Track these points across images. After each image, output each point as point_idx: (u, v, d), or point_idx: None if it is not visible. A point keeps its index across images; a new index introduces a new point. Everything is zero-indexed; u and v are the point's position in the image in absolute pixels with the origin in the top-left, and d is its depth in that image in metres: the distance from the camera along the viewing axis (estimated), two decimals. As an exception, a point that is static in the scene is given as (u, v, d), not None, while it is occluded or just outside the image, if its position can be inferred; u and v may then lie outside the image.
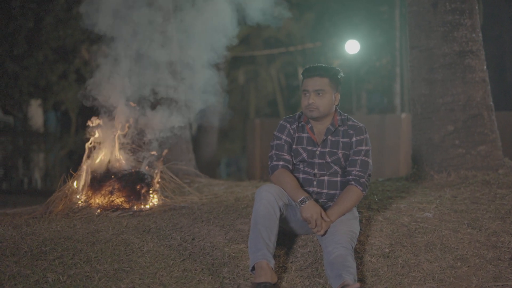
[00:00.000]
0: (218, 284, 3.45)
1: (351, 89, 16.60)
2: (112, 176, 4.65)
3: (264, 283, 3.27)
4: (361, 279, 3.50)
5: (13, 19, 11.84)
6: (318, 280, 3.52)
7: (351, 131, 3.79)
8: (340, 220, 3.62)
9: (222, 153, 21.84)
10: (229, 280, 3.50)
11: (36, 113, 16.60)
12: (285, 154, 3.80)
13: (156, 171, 4.88)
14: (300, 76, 3.90)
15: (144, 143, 4.93)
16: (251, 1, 5.08)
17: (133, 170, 4.74)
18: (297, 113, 3.92)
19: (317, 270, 3.60)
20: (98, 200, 4.57)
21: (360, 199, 3.75)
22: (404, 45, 14.51)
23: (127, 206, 4.55)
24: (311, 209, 3.54)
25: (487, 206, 4.34)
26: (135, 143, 4.92)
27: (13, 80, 12.53)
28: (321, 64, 3.80)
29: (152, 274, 3.48)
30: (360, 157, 3.75)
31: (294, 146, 3.83)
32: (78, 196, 4.64)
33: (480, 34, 5.48)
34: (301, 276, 3.56)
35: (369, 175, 3.78)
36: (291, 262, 3.70)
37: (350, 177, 3.74)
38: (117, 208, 4.50)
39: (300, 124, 3.85)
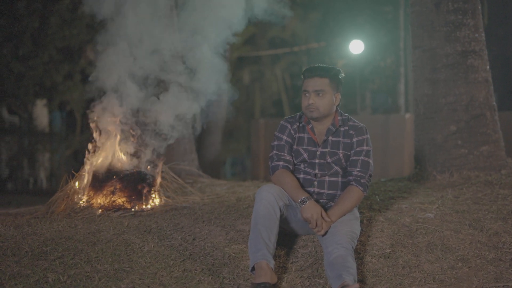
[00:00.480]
0: (218, 284, 3.46)
1: (355, 89, 16.57)
2: (114, 176, 4.66)
3: (264, 283, 3.27)
4: (361, 280, 3.50)
5: (19, 19, 11.87)
6: (318, 280, 3.52)
7: (352, 132, 3.79)
8: (341, 220, 3.62)
9: (227, 153, 21.85)
10: (229, 281, 3.50)
11: (41, 113, 16.65)
12: (285, 154, 3.80)
13: (157, 171, 4.88)
14: (305, 77, 3.88)
15: (148, 131, 4.89)
16: None
17: (134, 170, 4.74)
18: (298, 113, 3.91)
19: (317, 271, 3.60)
20: (100, 200, 4.58)
21: (361, 200, 3.75)
22: (408, 45, 14.45)
23: (128, 206, 4.56)
24: (311, 209, 3.54)
25: (489, 207, 4.33)
26: (138, 136, 4.89)
27: (19, 80, 12.57)
28: (321, 65, 3.79)
29: (152, 274, 3.49)
30: (360, 158, 3.75)
31: (295, 147, 3.82)
32: (80, 196, 4.65)
33: (483, 34, 5.46)
34: (301, 277, 3.56)
35: (370, 176, 3.77)
36: (292, 263, 3.70)
37: (351, 177, 3.73)
38: (118, 208, 4.51)
39: (301, 125, 3.85)
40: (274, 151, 3.83)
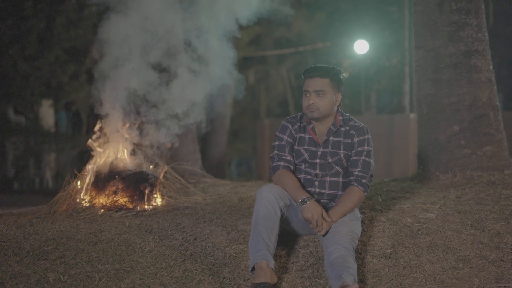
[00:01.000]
0: (218, 284, 3.46)
1: (360, 89, 16.53)
2: (116, 176, 4.67)
3: (264, 283, 3.28)
4: (362, 280, 3.49)
5: (25, 20, 11.91)
6: (318, 280, 3.52)
7: (352, 132, 3.78)
8: (342, 220, 3.62)
9: (233, 153, 21.86)
10: (229, 281, 3.50)
11: (47, 113, 16.69)
12: (286, 154, 3.80)
13: (160, 171, 4.89)
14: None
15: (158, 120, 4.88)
16: None
17: (137, 170, 4.75)
18: (299, 113, 3.91)
19: (318, 271, 3.60)
20: (102, 200, 4.59)
21: (362, 200, 3.74)
22: (413, 45, 14.39)
23: (130, 206, 4.57)
24: (312, 209, 3.54)
25: (491, 207, 4.31)
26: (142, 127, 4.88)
27: (25, 81, 12.61)
28: (321, 65, 3.79)
29: (152, 274, 3.49)
30: (361, 158, 3.74)
31: (295, 147, 3.82)
32: (82, 196, 4.66)
33: (487, 34, 5.44)
34: (301, 277, 3.56)
35: (371, 176, 3.77)
36: (292, 263, 3.70)
37: (352, 177, 3.73)
38: (120, 208, 4.52)
39: (302, 125, 3.85)
40: (275, 151, 3.83)
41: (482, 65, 5.36)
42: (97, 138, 4.88)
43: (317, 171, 3.78)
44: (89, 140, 4.84)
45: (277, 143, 3.84)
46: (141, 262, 3.61)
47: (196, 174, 6.71)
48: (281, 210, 3.57)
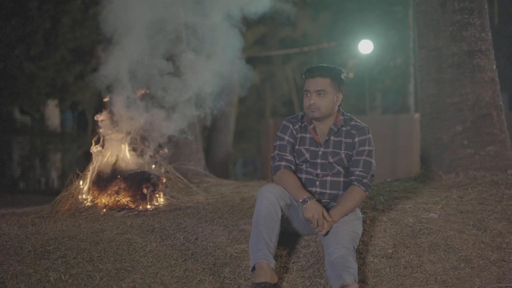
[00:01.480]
0: (218, 284, 3.46)
1: (365, 89, 16.53)
2: (119, 176, 4.68)
3: (264, 283, 3.27)
4: (362, 280, 3.49)
5: (30, 20, 11.96)
6: (319, 280, 3.52)
7: (353, 131, 3.78)
8: (343, 220, 3.62)
9: (238, 153, 21.87)
10: (230, 280, 3.51)
11: (53, 113, 16.78)
12: (287, 154, 3.80)
13: (162, 170, 4.91)
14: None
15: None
16: None
17: (139, 170, 4.76)
18: (300, 113, 3.91)
19: (318, 271, 3.60)
20: (104, 199, 4.61)
21: (363, 200, 3.73)
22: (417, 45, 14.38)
23: (132, 205, 4.58)
24: (312, 209, 3.54)
25: (494, 207, 4.30)
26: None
27: (31, 81, 12.68)
28: (322, 64, 3.79)
29: (153, 274, 3.50)
30: (363, 157, 3.74)
31: (296, 147, 3.82)
32: (84, 196, 4.68)
33: (490, 34, 5.43)
34: (302, 277, 3.56)
35: (372, 175, 3.76)
36: (293, 263, 3.70)
37: (353, 177, 3.73)
38: (122, 207, 4.53)
39: (303, 125, 3.85)
40: (276, 151, 3.84)
41: (485, 64, 5.34)
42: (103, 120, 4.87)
43: (318, 171, 3.77)
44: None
45: (278, 143, 3.84)
46: (142, 261, 3.62)
47: (199, 174, 6.72)
48: (282, 210, 3.57)
